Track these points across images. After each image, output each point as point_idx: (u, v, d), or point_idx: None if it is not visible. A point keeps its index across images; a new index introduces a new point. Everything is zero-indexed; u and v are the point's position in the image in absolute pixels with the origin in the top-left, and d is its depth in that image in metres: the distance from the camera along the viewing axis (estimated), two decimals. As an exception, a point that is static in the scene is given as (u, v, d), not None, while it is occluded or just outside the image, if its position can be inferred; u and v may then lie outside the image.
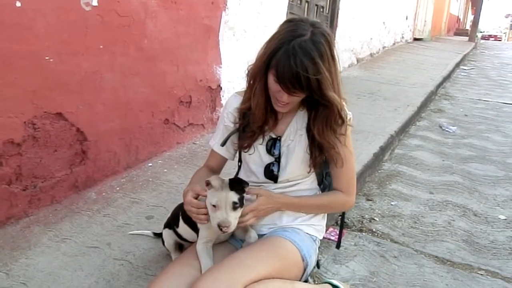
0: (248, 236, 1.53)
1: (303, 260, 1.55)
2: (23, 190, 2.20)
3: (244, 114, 1.51)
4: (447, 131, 4.50)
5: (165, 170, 2.83)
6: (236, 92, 1.59)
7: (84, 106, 2.42)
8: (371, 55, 8.31)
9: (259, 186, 1.58)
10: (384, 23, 9.09)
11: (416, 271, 2.10)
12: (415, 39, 13.18)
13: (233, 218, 1.31)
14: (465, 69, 9.16)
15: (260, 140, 1.55)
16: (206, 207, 1.39)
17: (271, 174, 1.58)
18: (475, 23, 16.57)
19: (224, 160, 1.67)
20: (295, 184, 1.61)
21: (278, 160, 1.56)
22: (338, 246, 2.05)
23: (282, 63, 1.24)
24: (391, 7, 9.48)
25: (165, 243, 1.76)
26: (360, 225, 2.52)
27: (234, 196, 1.32)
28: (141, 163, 2.91)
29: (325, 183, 1.66)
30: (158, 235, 1.92)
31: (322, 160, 1.54)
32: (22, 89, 2.08)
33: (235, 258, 1.42)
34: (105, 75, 2.51)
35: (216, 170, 1.65)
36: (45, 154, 2.26)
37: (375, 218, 2.61)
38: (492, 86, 7.45)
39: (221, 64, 3.57)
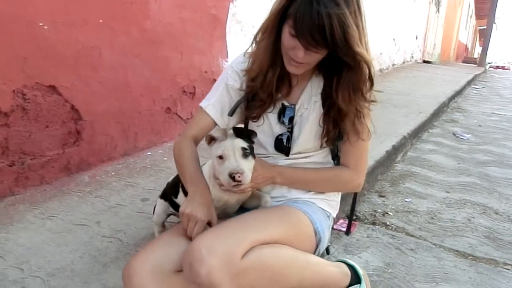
0: (264, 201, 1.33)
1: (316, 235, 1.36)
2: (10, 166, 2.03)
3: (253, 79, 1.29)
4: (461, 138, 4.31)
5: (165, 158, 2.67)
6: (245, 52, 1.33)
7: (80, 83, 2.29)
8: (380, 70, 8.22)
9: (269, 156, 1.41)
10: (394, 39, 9.04)
11: (435, 264, 1.89)
12: (425, 61, 13.12)
13: (245, 166, 1.12)
14: (476, 88, 9.02)
15: (270, 108, 1.34)
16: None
17: (282, 146, 1.39)
18: (484, 49, 16.53)
19: (212, 128, 1.37)
20: (307, 157, 1.42)
21: (290, 130, 1.36)
22: (347, 232, 1.85)
23: (302, 11, 1.03)
24: (401, 24, 9.46)
25: (155, 215, 1.58)
26: (372, 218, 2.33)
27: (242, 142, 1.15)
28: (139, 152, 2.75)
29: (338, 156, 1.49)
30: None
31: (336, 135, 1.34)
32: (12, 54, 1.95)
33: (241, 219, 1.23)
34: (103, 52, 2.39)
35: (198, 141, 1.36)
36: (36, 129, 2.11)
37: (389, 213, 2.42)
38: (505, 102, 7.27)
39: (227, 57, 3.45)
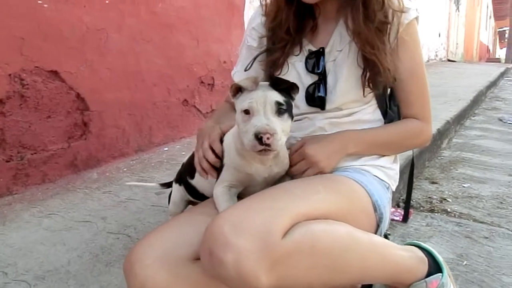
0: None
1: (375, 211, 1.05)
2: (7, 162, 1.79)
3: (272, 19, 1.13)
4: (509, 123, 3.89)
5: (183, 153, 2.39)
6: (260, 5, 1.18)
7: (86, 68, 2.05)
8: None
9: (302, 117, 1.11)
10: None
11: (521, 253, 1.51)
12: (449, 60, 12.61)
13: (278, 126, 0.83)
14: (510, 79, 8.49)
15: (296, 55, 1.13)
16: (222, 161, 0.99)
17: (315, 98, 1.10)
18: (510, 44, 15.86)
19: None
20: (351, 114, 1.12)
21: (323, 79, 1.10)
22: (405, 218, 1.50)
23: None
24: (423, 20, 9.07)
25: (171, 204, 1.28)
26: (429, 205, 1.97)
27: (277, 95, 0.87)
28: (155, 147, 2.48)
29: (390, 114, 1.17)
30: (168, 185, 1.43)
31: (379, 76, 1.05)
32: (7, 34, 1.72)
33: (277, 188, 0.96)
34: (111, 35, 2.15)
35: None
36: (36, 119, 1.86)
37: (447, 199, 2.05)
38: (546, 92, 6.75)
39: (246, 47, 3.18)
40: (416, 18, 1.11)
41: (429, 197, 2.07)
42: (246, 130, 0.85)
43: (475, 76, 7.06)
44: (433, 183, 2.30)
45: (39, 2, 1.82)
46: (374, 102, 1.15)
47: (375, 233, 1.06)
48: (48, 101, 1.90)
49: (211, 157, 0.99)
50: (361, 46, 1.04)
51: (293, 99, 0.95)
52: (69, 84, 1.97)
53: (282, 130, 0.85)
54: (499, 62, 18.25)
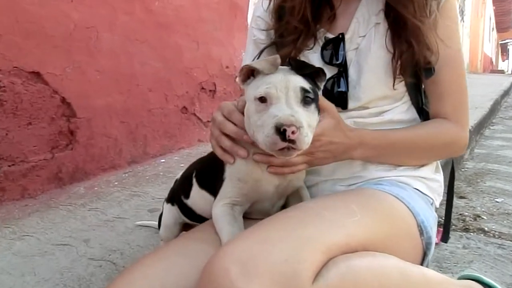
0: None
1: (420, 234, 0.82)
2: (-21, 174, 1.56)
3: (280, 12, 0.92)
4: (531, 133, 3.66)
5: (182, 165, 2.16)
6: None
7: (73, 70, 1.83)
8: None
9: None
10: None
11: None
12: (455, 71, 12.43)
13: (304, 118, 0.64)
14: (520, 90, 8.28)
15: (310, 44, 0.91)
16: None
17: (335, 95, 0.88)
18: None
19: None
20: (380, 113, 0.90)
21: (343, 71, 0.88)
22: (445, 238, 1.26)
23: None
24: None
25: (162, 228, 1.04)
26: (462, 223, 1.73)
27: (302, 81, 0.68)
28: (150, 159, 2.25)
29: (425, 111, 0.94)
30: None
31: (413, 60, 0.83)
32: (-20, 28, 1.52)
33: (300, 209, 0.73)
34: (102, 34, 1.94)
35: None
36: (14, 126, 1.64)
37: (482, 216, 1.81)
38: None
39: (250, 52, 2.98)
40: None
41: (460, 214, 1.83)
42: (262, 123, 0.64)
43: (485, 86, 6.86)
44: (461, 197, 2.06)
45: (19, -6, 1.62)
46: (407, 99, 0.92)
47: (422, 263, 0.84)
48: (29, 105, 1.68)
49: (231, 127, 0.73)
50: (402, 9, 0.81)
51: (319, 88, 0.73)
52: (53, 87, 1.76)
53: (308, 124, 0.65)
54: (503, 73, 18.15)
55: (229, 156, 0.74)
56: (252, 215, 0.84)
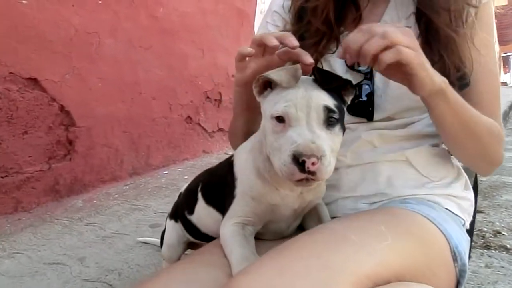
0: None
1: (454, 260, 0.71)
2: (-29, 186, 1.47)
3: (301, 12, 0.83)
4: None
5: (186, 177, 2.07)
6: None
7: (73, 77, 1.75)
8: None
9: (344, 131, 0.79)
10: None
11: None
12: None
13: (327, 144, 0.55)
14: (527, 102, 8.19)
15: (333, 49, 0.81)
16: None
17: (360, 105, 0.78)
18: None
19: None
20: (407, 125, 0.80)
21: (369, 79, 0.78)
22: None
23: None
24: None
25: (164, 247, 0.94)
26: (482, 240, 1.63)
27: (326, 97, 0.58)
28: (153, 170, 2.15)
29: None
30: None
31: (444, 72, 0.71)
32: (-26, 32, 1.44)
33: (324, 232, 0.63)
34: (104, 40, 1.86)
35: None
36: (9, 135, 1.55)
37: (502, 232, 1.70)
38: None
39: (257, 60, 2.91)
40: (488, 3, 0.80)
41: (479, 229, 1.73)
42: (279, 146, 0.55)
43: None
44: (478, 212, 1.96)
45: (17, -3, 1.54)
46: None
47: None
48: (25, 113, 1.59)
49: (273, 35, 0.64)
50: (435, 17, 0.73)
51: (345, 103, 0.63)
52: (51, 95, 1.67)
53: (331, 149, 0.55)
54: (506, 85, 18.10)
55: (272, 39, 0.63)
56: (264, 235, 0.74)
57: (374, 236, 0.61)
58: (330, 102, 0.57)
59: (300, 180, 0.53)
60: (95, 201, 1.74)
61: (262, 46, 0.68)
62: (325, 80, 0.60)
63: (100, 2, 1.84)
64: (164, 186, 1.94)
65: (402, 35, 0.57)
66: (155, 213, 1.59)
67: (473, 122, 0.72)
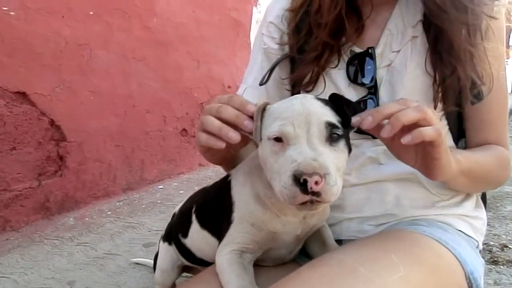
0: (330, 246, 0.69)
1: (469, 286, 0.67)
2: (-45, 205, 1.40)
3: (300, 24, 0.78)
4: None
5: (181, 192, 2.01)
6: None
7: (64, 90, 1.70)
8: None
9: None
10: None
11: None
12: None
13: (331, 161, 0.50)
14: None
15: (333, 62, 0.76)
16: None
17: None
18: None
19: None
20: None
21: (374, 93, 0.73)
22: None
23: None
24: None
25: (157, 272, 0.88)
26: (489, 255, 1.56)
27: (328, 113, 0.53)
28: (147, 185, 2.09)
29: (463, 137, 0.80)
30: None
31: (458, 87, 0.70)
32: (-41, 45, 1.39)
33: (334, 263, 0.58)
34: (96, 52, 1.82)
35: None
36: (-4, 151, 1.49)
37: (509, 246, 1.64)
38: None
39: (253, 71, 2.87)
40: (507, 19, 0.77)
41: (485, 243, 1.67)
42: (279, 169, 0.50)
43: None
44: (484, 224, 1.91)
45: (4, 8, 1.50)
46: (444, 123, 0.77)
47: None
48: (13, 129, 1.54)
49: (230, 110, 0.56)
50: (450, 29, 0.68)
51: (349, 121, 0.57)
52: (40, 109, 1.62)
53: (337, 167, 0.50)
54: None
55: (216, 138, 0.55)
56: (264, 262, 0.68)
57: (385, 267, 0.56)
58: (332, 117, 0.52)
59: (304, 203, 0.48)
60: (87, 219, 1.67)
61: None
62: (325, 99, 0.56)
63: (91, 13, 1.79)
64: (159, 201, 1.88)
65: (433, 114, 0.54)
66: (149, 231, 1.53)
67: (484, 172, 0.72)
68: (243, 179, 0.62)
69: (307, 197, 0.47)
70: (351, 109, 0.55)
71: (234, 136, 0.54)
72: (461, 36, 0.68)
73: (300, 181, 0.46)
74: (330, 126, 0.51)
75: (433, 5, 0.68)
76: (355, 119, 0.54)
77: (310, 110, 0.52)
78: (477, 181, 0.72)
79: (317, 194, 0.47)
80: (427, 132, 0.51)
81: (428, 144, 0.53)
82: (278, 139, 0.51)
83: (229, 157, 0.70)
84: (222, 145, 0.55)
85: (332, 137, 0.51)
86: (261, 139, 0.54)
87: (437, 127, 0.52)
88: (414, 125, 0.52)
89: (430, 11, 0.70)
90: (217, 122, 0.55)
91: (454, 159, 0.61)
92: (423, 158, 0.57)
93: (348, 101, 0.56)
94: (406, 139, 0.51)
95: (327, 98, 0.57)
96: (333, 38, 0.75)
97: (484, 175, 0.72)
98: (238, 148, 0.64)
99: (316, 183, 0.46)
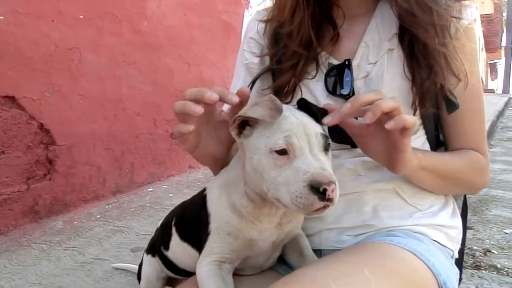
0: (305, 249, 0.72)
1: None
2: None
3: (277, 36, 0.81)
4: (531, 156, 3.58)
5: (171, 195, 2.02)
6: (260, 10, 0.88)
7: (53, 94, 1.70)
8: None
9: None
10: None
11: None
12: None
13: (331, 168, 0.55)
14: (513, 110, 8.33)
15: (311, 73, 0.78)
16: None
17: (343, 131, 0.75)
18: (507, 72, 15.99)
19: None
20: None
21: None
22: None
23: None
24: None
25: (143, 282, 0.90)
26: (472, 259, 1.60)
27: (317, 124, 0.58)
28: (137, 188, 2.10)
29: (441, 144, 0.83)
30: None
31: (436, 88, 0.73)
32: None
33: (307, 280, 0.59)
34: (86, 55, 1.82)
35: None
36: (-15, 155, 1.49)
37: (492, 251, 1.68)
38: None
39: (244, 73, 2.88)
40: (475, 20, 0.79)
41: (469, 248, 1.71)
42: (285, 180, 0.53)
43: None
44: (467, 228, 1.94)
45: (-6, 13, 1.50)
46: (422, 132, 0.80)
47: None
48: (1, 133, 1.54)
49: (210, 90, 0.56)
50: (421, 32, 0.71)
51: (320, 122, 0.61)
52: (29, 113, 1.62)
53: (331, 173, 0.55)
54: (494, 92, 18.41)
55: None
56: (243, 271, 0.71)
57: (356, 282, 0.58)
58: (321, 128, 0.57)
59: (318, 210, 0.52)
60: (76, 222, 1.68)
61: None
62: (306, 106, 0.59)
63: (81, 16, 1.80)
64: (148, 205, 1.89)
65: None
66: (137, 236, 1.54)
67: (452, 173, 0.74)
68: (218, 193, 0.64)
69: (323, 204, 0.51)
70: (320, 110, 0.59)
71: (198, 108, 0.54)
72: (433, 37, 0.71)
73: (319, 190, 0.50)
74: (324, 137, 0.55)
75: (403, 10, 0.71)
76: (327, 119, 0.58)
77: (303, 122, 0.55)
78: (445, 180, 0.74)
79: (331, 200, 0.51)
80: (407, 118, 0.55)
81: (401, 135, 0.57)
82: (282, 151, 0.53)
83: (218, 158, 0.71)
84: (197, 107, 0.55)
85: (326, 147, 0.56)
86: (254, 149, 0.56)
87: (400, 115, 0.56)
88: (391, 114, 0.56)
89: (402, 18, 0.73)
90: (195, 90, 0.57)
91: (414, 155, 0.64)
92: (389, 151, 0.62)
93: (314, 105, 0.60)
94: (389, 124, 0.55)
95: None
96: (306, 49, 0.78)
97: (453, 175, 0.74)
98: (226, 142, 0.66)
99: (333, 190, 0.51)
